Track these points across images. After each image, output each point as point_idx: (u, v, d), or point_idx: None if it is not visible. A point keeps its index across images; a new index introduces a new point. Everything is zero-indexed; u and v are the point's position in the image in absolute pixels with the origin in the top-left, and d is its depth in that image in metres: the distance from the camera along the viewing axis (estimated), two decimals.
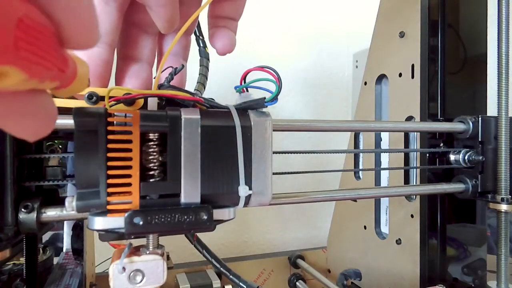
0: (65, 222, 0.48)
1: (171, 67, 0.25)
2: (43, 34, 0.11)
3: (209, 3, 0.24)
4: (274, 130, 0.25)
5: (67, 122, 0.22)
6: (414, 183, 0.49)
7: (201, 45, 0.33)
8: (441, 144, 0.45)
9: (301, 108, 0.85)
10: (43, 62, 0.11)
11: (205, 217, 0.22)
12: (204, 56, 0.34)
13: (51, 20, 0.11)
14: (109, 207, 0.20)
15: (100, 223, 0.20)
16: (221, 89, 0.72)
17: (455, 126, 0.41)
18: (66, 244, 0.50)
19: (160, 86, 0.24)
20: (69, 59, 0.13)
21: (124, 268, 0.22)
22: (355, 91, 0.69)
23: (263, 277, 0.64)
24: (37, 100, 0.12)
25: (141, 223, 0.20)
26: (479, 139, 0.41)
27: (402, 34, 0.50)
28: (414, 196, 0.48)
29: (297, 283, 0.63)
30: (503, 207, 0.39)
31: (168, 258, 0.51)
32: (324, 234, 0.70)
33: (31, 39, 0.10)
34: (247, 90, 0.26)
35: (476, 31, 0.50)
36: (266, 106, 0.25)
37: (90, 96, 0.22)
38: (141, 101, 0.24)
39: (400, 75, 0.50)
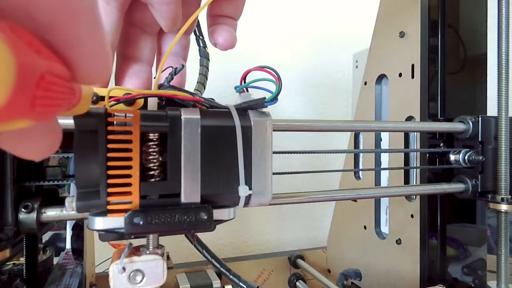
0: (67, 222, 0.48)
1: (171, 67, 0.25)
2: (59, 82, 0.11)
3: (209, 3, 0.24)
4: (274, 130, 0.25)
5: (67, 122, 0.22)
6: (414, 183, 0.49)
7: (201, 45, 0.33)
8: (441, 144, 0.45)
9: (301, 108, 0.85)
10: (55, 104, 0.11)
11: (205, 217, 0.22)
12: (204, 56, 0.34)
13: (68, 63, 0.11)
14: (109, 207, 0.20)
15: (100, 223, 0.20)
16: (221, 89, 0.72)
17: (455, 126, 0.41)
18: (69, 244, 0.50)
19: (160, 86, 0.24)
20: (76, 88, 0.13)
21: (124, 268, 0.22)
22: (355, 91, 0.68)
23: (263, 277, 0.64)
24: (45, 125, 0.12)
25: (141, 223, 0.20)
26: (479, 139, 0.41)
27: (402, 34, 0.50)
28: (414, 196, 0.48)
29: (297, 283, 0.63)
30: (503, 207, 0.39)
31: (168, 258, 0.51)
32: (324, 234, 0.70)
33: (48, 92, 0.10)
34: (247, 90, 0.26)
35: (476, 31, 0.50)
36: (266, 106, 0.25)
37: None
38: (141, 101, 0.24)
39: (400, 75, 0.50)
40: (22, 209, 0.24)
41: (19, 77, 0.09)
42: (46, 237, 0.51)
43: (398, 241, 0.50)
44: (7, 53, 0.08)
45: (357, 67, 0.72)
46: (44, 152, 0.13)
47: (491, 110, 0.44)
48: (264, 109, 0.25)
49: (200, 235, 0.32)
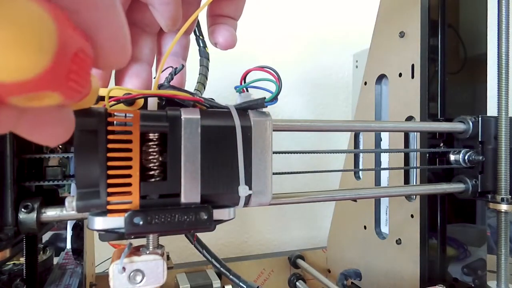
0: (67, 222, 0.48)
1: (171, 67, 0.25)
2: (87, 63, 0.11)
3: (210, 2, 0.24)
4: (274, 130, 0.25)
5: None
6: (414, 183, 0.49)
7: (201, 45, 0.33)
8: (441, 144, 0.45)
9: (301, 108, 0.85)
10: (79, 88, 0.11)
11: (205, 217, 0.22)
12: (204, 56, 0.34)
13: (93, 45, 0.12)
14: (109, 207, 0.20)
15: (100, 223, 0.20)
16: (221, 89, 0.72)
17: (455, 126, 0.41)
18: (69, 244, 0.50)
19: (160, 86, 0.24)
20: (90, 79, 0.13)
21: (124, 268, 0.22)
22: (355, 91, 0.69)
23: (263, 277, 0.64)
24: (60, 111, 0.13)
25: (141, 223, 0.20)
26: (479, 139, 0.41)
27: (402, 34, 0.50)
28: (414, 196, 0.48)
29: (297, 283, 0.63)
30: (503, 207, 0.39)
31: (168, 258, 0.51)
32: (324, 234, 0.70)
33: (79, 70, 0.11)
34: (247, 90, 0.26)
35: (476, 31, 0.50)
36: (266, 106, 0.25)
37: None
38: (141, 101, 0.24)
39: (400, 75, 0.50)
40: (22, 209, 0.24)
41: (60, 47, 0.09)
42: (46, 237, 0.51)
43: (398, 241, 0.50)
44: (51, 23, 0.09)
45: (357, 67, 0.72)
46: (59, 139, 0.13)
47: (491, 110, 0.44)
48: (264, 109, 0.25)
49: (200, 235, 0.32)
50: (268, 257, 0.66)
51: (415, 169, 0.49)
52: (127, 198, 0.21)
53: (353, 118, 0.66)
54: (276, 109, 0.80)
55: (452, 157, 0.43)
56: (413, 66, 0.48)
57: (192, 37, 0.31)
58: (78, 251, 0.46)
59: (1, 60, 0.08)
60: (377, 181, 0.56)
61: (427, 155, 0.46)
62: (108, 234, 0.22)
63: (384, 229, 0.55)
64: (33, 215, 0.24)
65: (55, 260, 0.48)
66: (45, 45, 0.09)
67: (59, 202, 0.26)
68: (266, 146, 0.24)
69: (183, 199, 0.22)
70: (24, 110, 0.11)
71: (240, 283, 0.33)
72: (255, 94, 0.26)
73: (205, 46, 0.33)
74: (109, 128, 0.20)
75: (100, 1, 0.11)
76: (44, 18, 0.09)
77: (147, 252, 0.23)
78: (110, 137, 0.20)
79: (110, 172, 0.20)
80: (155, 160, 0.22)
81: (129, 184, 0.21)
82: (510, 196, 0.39)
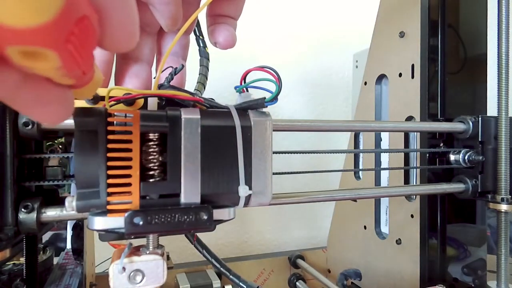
0: (67, 222, 0.48)
1: (171, 67, 0.25)
2: (91, 35, 0.11)
3: (210, 2, 0.24)
4: (274, 130, 0.25)
5: (67, 122, 0.22)
6: (414, 183, 0.49)
7: (201, 45, 0.33)
8: (441, 144, 0.45)
9: (301, 108, 0.85)
10: (78, 59, 0.11)
11: (205, 217, 0.22)
12: (204, 56, 0.34)
13: (101, 17, 0.12)
14: (109, 207, 0.20)
15: (100, 223, 0.20)
16: (221, 89, 0.72)
17: (455, 126, 0.41)
18: (69, 244, 0.50)
19: (160, 86, 0.24)
20: (93, 63, 0.13)
21: (124, 268, 0.22)
22: (355, 91, 0.69)
23: (263, 277, 0.64)
24: (60, 89, 0.13)
25: (141, 223, 0.20)
26: (479, 139, 0.41)
27: (402, 34, 0.50)
28: (414, 196, 0.48)
29: (297, 283, 0.63)
30: (503, 207, 0.39)
31: (168, 258, 0.51)
32: (324, 234, 0.70)
33: (80, 37, 0.11)
34: (247, 90, 0.26)
35: (476, 31, 0.50)
36: (266, 106, 0.25)
37: None
38: (141, 101, 0.24)
39: (400, 75, 0.50)
40: (22, 209, 0.24)
41: (67, 5, 0.09)
42: (46, 237, 0.51)
43: (398, 241, 0.50)
44: None
45: (357, 67, 0.72)
46: (58, 118, 0.13)
47: (491, 110, 0.44)
48: (264, 109, 0.25)
49: (200, 235, 0.32)
50: (268, 257, 0.66)
51: (415, 169, 0.49)
52: (127, 198, 0.21)
53: (353, 118, 0.66)
54: (276, 109, 0.80)
55: (452, 157, 0.43)
56: (413, 66, 0.48)
57: (192, 37, 0.31)
58: (78, 251, 0.46)
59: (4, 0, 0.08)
60: (377, 181, 0.56)
61: (427, 155, 0.46)
62: (108, 234, 0.22)
63: (384, 229, 0.55)
64: (33, 215, 0.24)
65: (55, 260, 0.48)
66: None
67: (59, 202, 0.26)
68: (266, 146, 0.24)
69: (183, 199, 0.22)
70: (24, 80, 0.11)
71: (240, 283, 0.33)
72: (255, 94, 0.26)
73: (205, 46, 0.33)
74: (109, 128, 0.20)
75: None
76: None
77: (147, 252, 0.23)
78: (110, 137, 0.20)
79: (110, 172, 0.20)
80: (155, 160, 0.22)
81: (129, 184, 0.21)
82: (510, 196, 0.39)
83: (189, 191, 0.22)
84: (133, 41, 0.13)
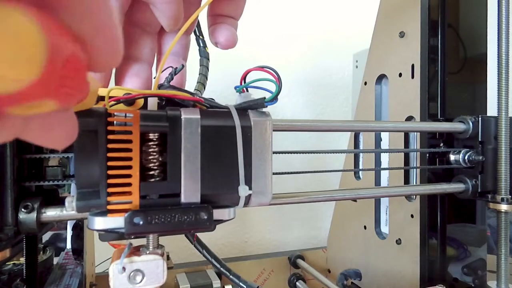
0: (67, 222, 0.48)
1: (171, 67, 0.25)
2: (80, 69, 0.11)
3: (210, 2, 0.24)
4: (274, 130, 0.25)
5: None
6: (414, 183, 0.49)
7: (201, 45, 0.33)
8: (441, 144, 0.45)
9: (301, 108, 0.85)
10: (74, 93, 0.11)
11: (205, 217, 0.22)
12: (204, 56, 0.34)
13: (85, 49, 0.12)
14: (109, 207, 0.20)
15: (100, 223, 0.20)
16: (221, 89, 0.72)
17: (455, 126, 0.41)
18: (69, 244, 0.50)
19: (160, 86, 0.24)
20: (88, 85, 0.13)
21: (124, 268, 0.22)
22: (355, 91, 0.68)
23: (263, 277, 0.64)
24: (63, 116, 0.13)
25: (141, 223, 0.20)
26: (479, 139, 0.41)
27: (402, 34, 0.50)
28: (414, 196, 0.48)
29: (297, 283, 0.63)
30: (503, 207, 0.39)
31: (168, 258, 0.51)
32: (324, 234, 0.70)
33: (71, 76, 0.11)
34: (247, 90, 0.26)
35: (476, 31, 0.50)
36: (266, 106, 0.25)
37: None
38: (141, 101, 0.24)
39: (400, 75, 0.50)
40: (22, 209, 0.24)
41: (50, 56, 0.09)
42: (46, 237, 0.51)
43: (398, 241, 0.50)
44: (40, 33, 0.09)
45: (357, 67, 0.72)
46: (65, 141, 0.13)
47: (491, 110, 0.44)
48: (264, 109, 0.25)
49: (200, 235, 0.32)
50: (268, 257, 0.66)
51: (415, 169, 0.49)
52: (127, 198, 0.21)
53: (353, 118, 0.66)
54: (276, 109, 0.80)
55: (452, 157, 0.43)
56: (413, 66, 0.48)
57: (192, 37, 0.31)
58: (78, 251, 0.46)
59: None
60: (377, 181, 0.56)
61: (427, 155, 0.46)
62: (108, 234, 0.22)
63: (384, 229, 0.55)
64: (33, 215, 0.24)
65: (55, 260, 0.48)
66: (34, 55, 0.09)
67: (59, 202, 0.26)
68: (266, 146, 0.24)
69: (183, 199, 0.22)
70: (29, 117, 0.11)
71: (240, 283, 0.33)
72: (255, 94, 0.26)
73: (205, 46, 0.33)
74: (109, 128, 0.20)
75: (97, 12, 0.11)
76: (32, 28, 0.09)
77: (147, 252, 0.23)
78: (110, 137, 0.20)
79: (110, 172, 0.20)
80: (155, 160, 0.22)
81: (129, 184, 0.21)
82: (510, 196, 0.39)
83: (189, 191, 0.22)
84: (117, 61, 0.13)
